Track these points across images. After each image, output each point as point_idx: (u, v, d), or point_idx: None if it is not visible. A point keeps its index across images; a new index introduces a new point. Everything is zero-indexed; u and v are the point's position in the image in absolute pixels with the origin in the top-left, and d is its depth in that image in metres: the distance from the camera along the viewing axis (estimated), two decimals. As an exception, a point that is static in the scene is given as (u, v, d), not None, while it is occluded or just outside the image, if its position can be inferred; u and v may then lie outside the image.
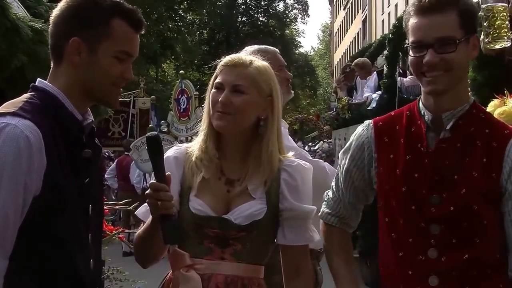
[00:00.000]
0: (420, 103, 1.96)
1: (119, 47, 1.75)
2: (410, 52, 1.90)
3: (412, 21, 1.88)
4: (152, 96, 14.01)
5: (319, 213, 2.15)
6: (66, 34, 1.73)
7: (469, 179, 1.86)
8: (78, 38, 1.71)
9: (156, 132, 1.94)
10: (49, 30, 1.80)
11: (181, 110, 11.52)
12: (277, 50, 2.79)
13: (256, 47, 2.63)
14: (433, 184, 1.88)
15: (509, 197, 1.85)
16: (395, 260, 1.95)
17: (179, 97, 11.60)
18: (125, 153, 11.46)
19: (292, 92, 2.94)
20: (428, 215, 1.88)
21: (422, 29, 1.85)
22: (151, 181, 1.82)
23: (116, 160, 12.09)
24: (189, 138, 10.04)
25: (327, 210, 2.15)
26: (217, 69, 2.04)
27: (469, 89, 4.57)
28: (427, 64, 1.84)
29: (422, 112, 1.94)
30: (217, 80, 2.01)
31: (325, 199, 2.17)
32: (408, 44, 1.91)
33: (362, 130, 2.06)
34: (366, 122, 2.08)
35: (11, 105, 1.68)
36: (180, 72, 13.24)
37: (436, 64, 1.84)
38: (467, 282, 1.87)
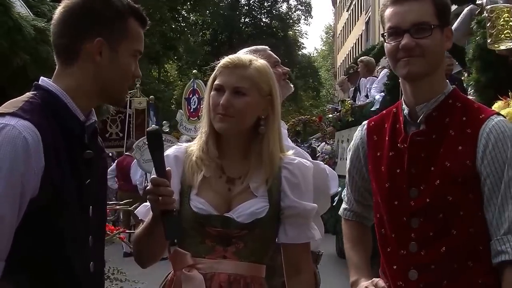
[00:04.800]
0: (402, 98, 2.00)
1: (135, 46, 1.78)
2: (387, 40, 1.94)
3: (389, 10, 1.93)
4: (151, 96, 13.94)
5: (339, 211, 2.24)
6: (85, 34, 1.72)
7: (443, 170, 1.86)
8: (102, 39, 1.71)
9: (156, 127, 1.93)
10: (53, 29, 1.77)
11: (191, 110, 11.45)
12: (267, 47, 2.76)
13: (245, 50, 2.59)
14: (411, 177, 1.91)
15: (484, 182, 1.83)
16: (384, 256, 2.00)
17: (190, 96, 11.54)
18: (125, 153, 11.43)
19: (292, 86, 2.91)
20: (408, 209, 1.90)
21: (398, 15, 1.90)
22: (152, 176, 1.81)
23: (116, 161, 12.06)
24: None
25: (344, 205, 2.24)
26: (215, 70, 2.02)
27: (470, 89, 4.55)
28: (403, 47, 1.88)
29: (403, 107, 1.98)
30: (216, 82, 2.00)
31: (343, 195, 2.25)
32: (384, 32, 1.95)
33: (358, 131, 2.14)
34: (363, 123, 2.14)
35: (11, 105, 1.66)
36: (194, 71, 13.15)
37: (412, 48, 1.88)
38: (445, 275, 1.86)
